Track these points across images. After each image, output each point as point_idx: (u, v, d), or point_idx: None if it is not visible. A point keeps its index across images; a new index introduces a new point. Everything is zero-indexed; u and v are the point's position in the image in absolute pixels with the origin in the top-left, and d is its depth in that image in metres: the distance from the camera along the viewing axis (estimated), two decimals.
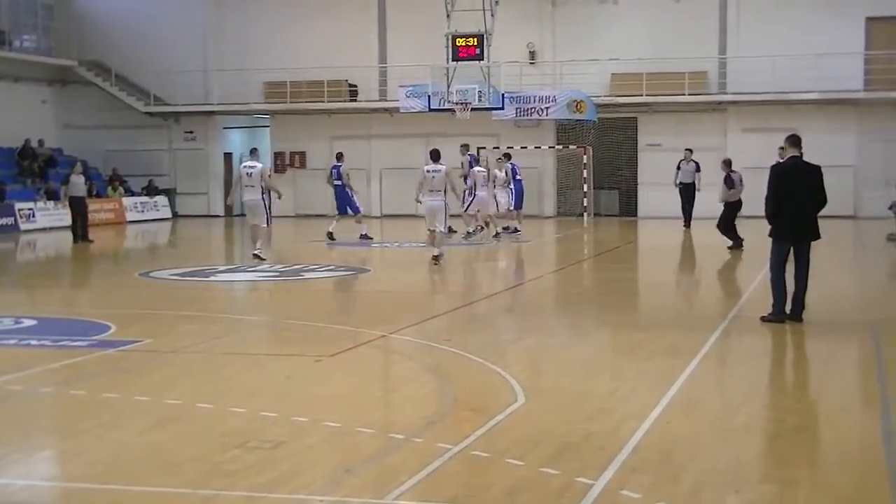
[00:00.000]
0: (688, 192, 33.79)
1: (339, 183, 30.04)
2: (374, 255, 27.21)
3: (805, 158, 14.69)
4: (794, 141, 14.76)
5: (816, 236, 14.86)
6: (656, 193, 27.82)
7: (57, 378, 11.54)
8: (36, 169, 41.67)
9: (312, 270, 22.20)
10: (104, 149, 44.70)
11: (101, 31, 45.10)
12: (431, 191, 22.52)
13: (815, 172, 14.68)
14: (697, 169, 33.58)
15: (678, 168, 33.91)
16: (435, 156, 22.84)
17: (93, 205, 40.67)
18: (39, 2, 44.50)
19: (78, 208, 31.17)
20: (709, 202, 30.38)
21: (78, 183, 31.36)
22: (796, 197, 14.55)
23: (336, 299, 18.68)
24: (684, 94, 40.43)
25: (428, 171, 22.63)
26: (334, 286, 20.31)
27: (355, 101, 43.92)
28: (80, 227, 31.10)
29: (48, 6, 45.08)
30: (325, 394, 10.86)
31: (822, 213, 14.68)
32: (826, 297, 17.53)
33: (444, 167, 22.58)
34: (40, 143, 42.84)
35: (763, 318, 14.66)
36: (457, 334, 13.96)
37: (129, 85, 45.06)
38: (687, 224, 33.09)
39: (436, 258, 22.51)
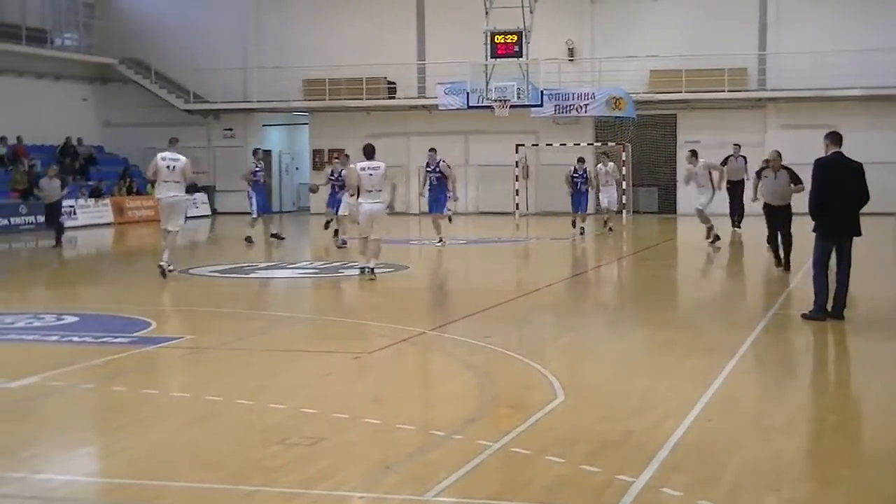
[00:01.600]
0: (736, 190, 30.55)
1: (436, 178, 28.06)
2: (413, 253, 27.24)
3: (847, 155, 14.60)
4: (836, 138, 14.67)
5: (858, 233, 14.76)
6: (695, 191, 27.55)
7: (98, 374, 11.60)
8: (77, 167, 41.96)
9: (351, 267, 22.22)
10: (144, 146, 44.85)
11: (141, 29, 45.34)
12: (370, 191, 19.68)
13: (857, 169, 14.59)
14: (745, 164, 30.54)
15: (724, 164, 30.03)
16: (370, 152, 20.02)
17: (133, 202, 41.12)
18: (80, 0, 44.79)
19: (53, 214, 30.12)
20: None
21: (51, 188, 30.09)
22: (839, 193, 14.46)
23: (375, 296, 18.69)
24: (723, 91, 40.24)
25: (363, 170, 19.71)
26: (375, 283, 20.31)
27: (394, 98, 43.97)
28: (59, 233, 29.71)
29: (89, 4, 45.37)
30: (365, 391, 10.87)
31: (864, 210, 14.57)
32: (868, 295, 17.40)
33: (383, 165, 19.81)
34: (80, 141, 43.15)
35: (804, 316, 14.56)
36: (496, 331, 13.93)
37: (169, 82, 45.28)
38: (737, 224, 29.97)
39: (370, 271, 19.90)
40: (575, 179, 31.04)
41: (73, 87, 44.66)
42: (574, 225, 30.84)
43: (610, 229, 31.75)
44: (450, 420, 9.45)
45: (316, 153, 45.73)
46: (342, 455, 8.41)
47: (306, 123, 46.38)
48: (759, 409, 10.17)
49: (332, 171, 28.91)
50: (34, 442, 9.16)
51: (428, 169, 28.19)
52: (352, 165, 20.56)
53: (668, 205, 41.76)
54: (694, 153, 27.94)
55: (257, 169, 29.34)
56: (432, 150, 28.68)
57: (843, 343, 13.68)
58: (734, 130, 38.18)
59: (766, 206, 20.88)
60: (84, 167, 42.31)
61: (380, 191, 19.60)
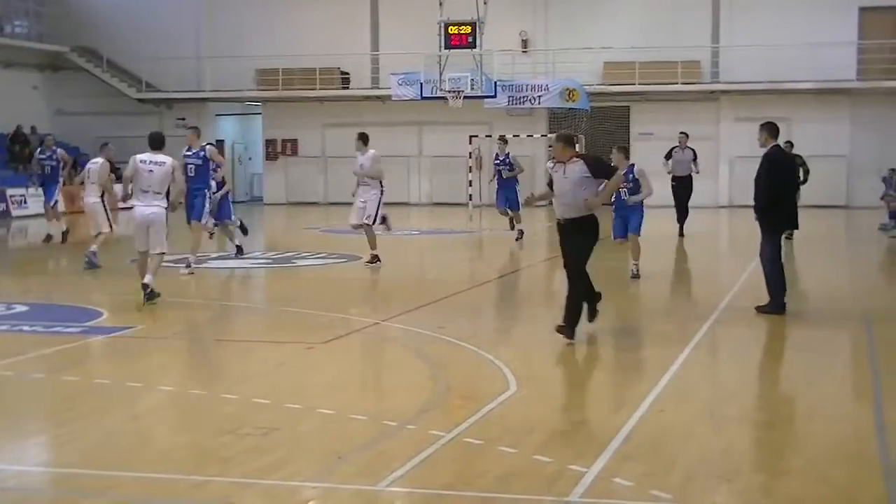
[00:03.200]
0: (684, 187, 26.93)
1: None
2: (365, 244, 27.20)
3: (797, 149, 14.68)
4: (774, 130, 14.55)
5: (798, 226, 15.00)
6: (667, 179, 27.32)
7: (49, 364, 11.52)
8: (27, 155, 41.53)
9: (304, 258, 22.15)
10: (96, 135, 44.54)
11: (92, 17, 45.01)
12: (146, 192, 15.35)
13: (793, 161, 14.75)
14: (695, 158, 26.95)
15: (668, 157, 27.06)
16: (157, 142, 15.85)
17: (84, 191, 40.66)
18: None
19: None
20: (705, 192, 30.26)
21: None
22: (788, 186, 14.55)
23: (328, 287, 18.65)
24: (677, 83, 40.43)
25: (143, 163, 15.40)
26: (326, 273, 20.28)
27: (347, 88, 43.88)
28: None
29: None
30: (318, 381, 10.86)
31: (815, 202, 14.71)
32: (819, 288, 17.55)
33: (170, 160, 15.59)
34: (32, 129, 42.75)
35: (760, 310, 14.52)
36: (449, 322, 13.95)
37: (121, 71, 44.95)
38: (681, 232, 26.42)
39: (149, 296, 15.23)
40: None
41: (23, 74, 44.24)
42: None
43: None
44: (403, 410, 9.45)
45: (269, 143, 45.57)
46: (295, 445, 8.39)
47: (259, 113, 46.20)
48: (712, 401, 10.24)
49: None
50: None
51: (496, 161, 26.69)
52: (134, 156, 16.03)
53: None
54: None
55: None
56: (503, 140, 27.38)
57: (793, 335, 13.77)
58: (688, 122, 38.26)
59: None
60: (34, 156, 41.81)
61: (158, 193, 15.36)
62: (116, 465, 7.83)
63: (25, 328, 13.45)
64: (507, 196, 26.42)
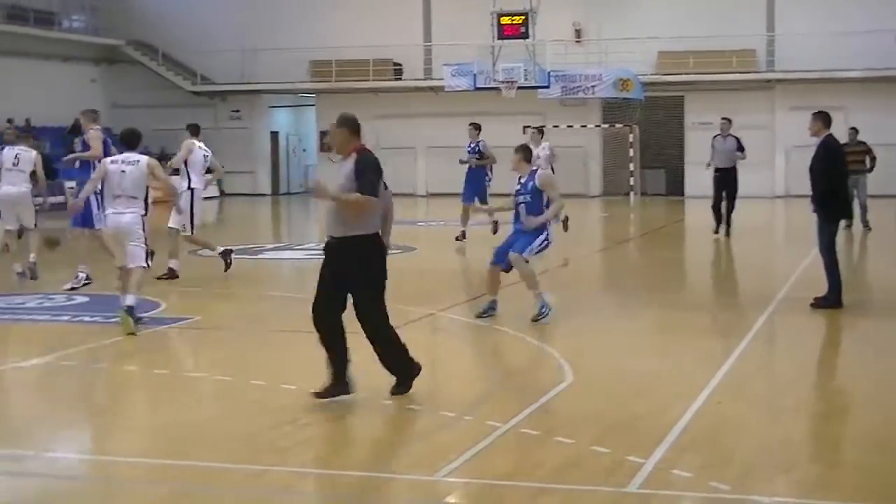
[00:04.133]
0: (727, 180, 24.39)
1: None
2: (420, 234, 27.27)
3: (860, 137, 14.52)
4: (828, 119, 14.35)
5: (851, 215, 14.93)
6: (704, 172, 26.94)
7: (109, 354, 11.66)
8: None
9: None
10: (151, 128, 44.88)
11: (147, 11, 45.30)
12: (119, 197, 13.10)
13: (842, 150, 14.67)
14: (739, 147, 24.44)
15: (713, 146, 24.94)
16: (131, 140, 13.94)
17: None
18: None
19: None
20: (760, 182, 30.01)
21: None
22: (843, 176, 14.44)
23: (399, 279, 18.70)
24: (731, 73, 40.16)
25: (113, 164, 13.30)
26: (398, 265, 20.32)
27: (400, 79, 43.92)
28: None
29: None
30: (375, 372, 10.89)
31: (872, 192, 14.58)
32: (879, 279, 17.41)
33: (145, 159, 13.60)
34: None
35: (815, 305, 14.21)
36: (505, 313, 13.94)
37: (176, 64, 45.24)
38: (720, 230, 24.18)
39: (136, 320, 12.71)
40: (468, 154, 23.73)
41: (81, 68, 44.62)
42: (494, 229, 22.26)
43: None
44: (459, 401, 9.49)
45: (323, 134, 45.68)
46: (351, 435, 8.46)
47: (313, 105, 46.34)
48: (769, 392, 10.21)
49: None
50: (47, 421, 9.23)
51: (467, 149, 23.86)
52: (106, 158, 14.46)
53: (675, 187, 41.71)
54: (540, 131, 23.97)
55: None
56: (475, 126, 23.95)
57: (851, 327, 13.68)
58: (743, 112, 38.06)
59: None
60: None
61: (134, 197, 13.12)
62: (175, 455, 7.91)
63: (86, 318, 13.61)
64: (476, 188, 23.42)
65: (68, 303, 14.83)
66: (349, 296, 9.44)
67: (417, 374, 9.58)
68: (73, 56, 44.02)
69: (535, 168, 13.41)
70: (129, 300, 12.63)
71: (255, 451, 8.01)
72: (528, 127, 29.07)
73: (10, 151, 17.36)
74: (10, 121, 33.14)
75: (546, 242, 13.35)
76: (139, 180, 13.10)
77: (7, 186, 17.12)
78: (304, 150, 47.99)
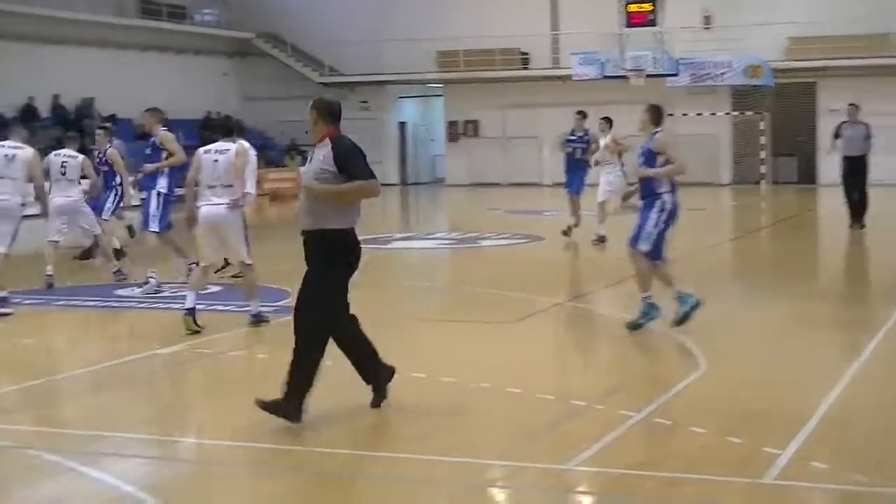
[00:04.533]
0: (857, 170, 22.85)
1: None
2: (546, 224, 27.20)
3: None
4: None
5: None
6: (837, 160, 26.08)
7: (243, 342, 11.85)
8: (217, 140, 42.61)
9: (488, 238, 22.26)
10: (282, 119, 45.47)
11: (277, 3, 45.87)
12: (213, 187, 12.52)
13: None
14: (869, 135, 22.77)
15: (836, 135, 23.25)
16: (227, 128, 13.32)
17: (272, 174, 41.68)
18: None
19: None
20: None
21: None
22: None
23: (512, 267, 18.72)
24: (865, 57, 39.27)
25: (207, 154, 12.69)
26: (510, 254, 20.32)
27: (527, 69, 43.85)
28: None
29: None
30: (505, 360, 10.91)
31: None
32: None
33: (234, 147, 12.79)
34: (220, 114, 43.84)
35: None
36: (635, 302, 13.83)
37: (305, 56, 45.76)
38: (857, 223, 22.84)
39: (256, 319, 12.72)
40: (571, 144, 21.57)
41: (212, 61, 45.41)
42: (568, 230, 21.50)
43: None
44: (590, 390, 9.46)
45: (450, 125, 45.86)
46: (482, 424, 8.47)
47: (440, 95, 46.49)
48: None
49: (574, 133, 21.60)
50: (184, 407, 9.42)
51: (571, 138, 21.65)
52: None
53: (808, 175, 40.97)
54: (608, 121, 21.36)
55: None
56: (581, 114, 21.80)
57: None
58: (878, 98, 37.22)
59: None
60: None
61: (229, 186, 12.48)
62: (307, 442, 7.99)
63: (220, 307, 13.84)
64: (580, 180, 21.58)
65: (202, 292, 15.04)
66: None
67: (390, 378, 8.85)
68: (206, 49, 44.82)
69: (656, 131, 12.10)
70: (254, 307, 12.53)
71: (387, 438, 8.07)
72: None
73: (56, 158, 16.29)
74: (106, 120, 33.86)
75: (664, 215, 11.81)
76: (229, 169, 12.51)
77: (57, 197, 16.04)
78: (431, 140, 48.18)
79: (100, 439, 8.10)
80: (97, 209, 17.11)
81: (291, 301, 14.17)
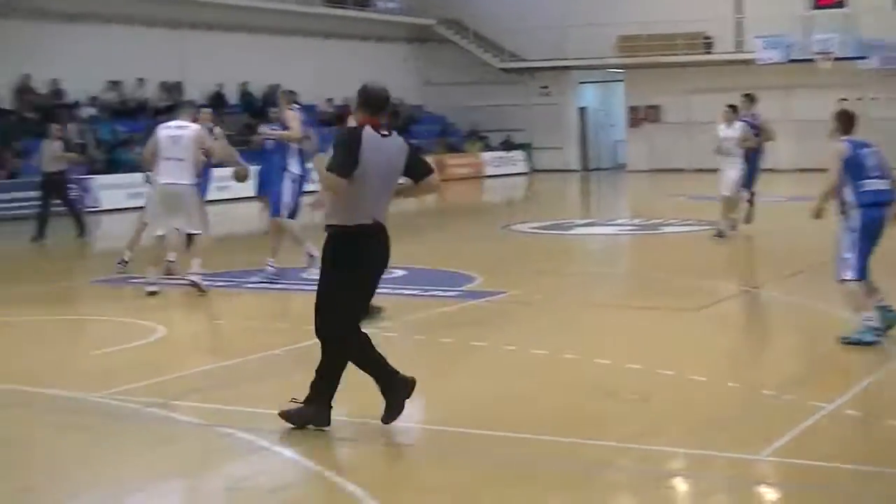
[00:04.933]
0: None
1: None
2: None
3: None
4: None
5: None
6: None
7: (428, 326, 11.96)
8: (398, 126, 43.14)
9: (671, 225, 22.06)
10: (462, 105, 45.74)
11: None
12: (169, 159, 13.29)
13: None
14: None
15: None
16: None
17: (453, 160, 42.00)
18: None
19: (54, 190, 21.88)
20: None
21: (52, 152, 21.68)
22: None
23: (696, 254, 18.51)
24: None
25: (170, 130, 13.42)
26: (693, 241, 20.08)
27: (710, 53, 43.20)
28: (72, 216, 22.13)
29: None
30: (690, 348, 10.82)
31: None
32: None
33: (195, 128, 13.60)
34: (401, 100, 44.36)
35: None
36: (820, 290, 13.52)
37: (486, 42, 45.90)
38: None
39: (197, 287, 13.45)
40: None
41: (394, 48, 45.91)
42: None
43: (719, 235, 19.25)
44: (779, 380, 9.31)
45: (632, 110, 45.49)
46: (668, 411, 8.41)
47: (621, 80, 46.15)
48: None
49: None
50: (372, 389, 9.56)
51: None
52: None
53: None
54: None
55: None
56: (749, 98, 21.08)
57: None
58: None
59: None
60: (405, 126, 43.50)
61: (183, 159, 12.92)
62: (492, 426, 8.02)
63: (404, 292, 14.00)
64: (750, 171, 20.20)
65: (387, 276, 15.20)
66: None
67: (410, 390, 8.00)
68: (388, 36, 45.32)
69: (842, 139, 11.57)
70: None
71: (572, 424, 8.06)
72: (843, 99, 26.81)
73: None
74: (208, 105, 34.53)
75: (856, 235, 10.47)
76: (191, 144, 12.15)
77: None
78: (612, 126, 47.87)
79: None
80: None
81: (476, 286, 14.37)
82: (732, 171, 19.39)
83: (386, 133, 7.83)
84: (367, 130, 7.73)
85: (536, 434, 7.82)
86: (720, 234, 18.92)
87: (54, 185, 21.84)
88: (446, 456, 7.57)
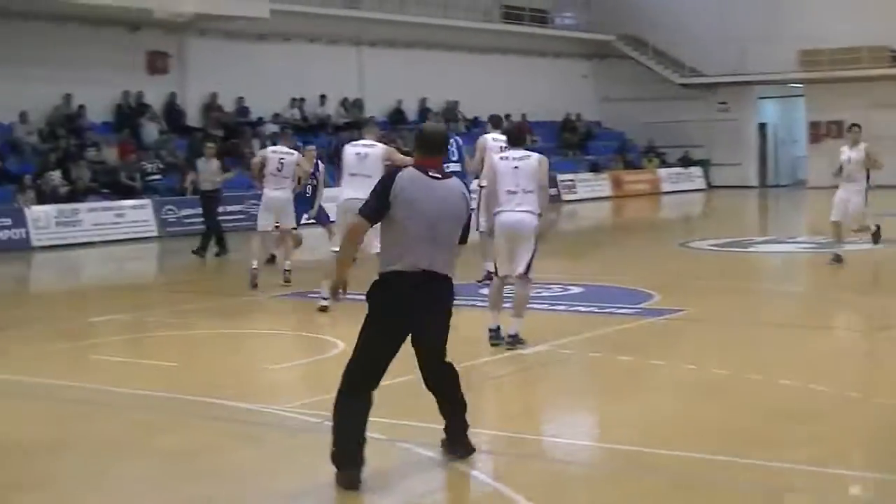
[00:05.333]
0: None
1: None
2: None
3: None
4: None
5: None
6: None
7: (605, 343, 11.92)
8: (576, 142, 43.19)
9: (852, 242, 21.55)
10: (640, 121, 45.44)
11: (638, 5, 45.74)
12: (515, 192, 11.37)
13: None
14: None
15: None
16: (518, 137, 12.06)
17: (630, 176, 41.82)
18: None
19: (211, 207, 22.39)
20: None
21: (209, 170, 22.20)
22: None
23: (880, 273, 18.07)
24: None
25: (504, 161, 11.54)
26: (875, 259, 19.56)
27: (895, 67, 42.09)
28: (214, 235, 22.25)
29: None
30: (874, 370, 10.58)
31: None
32: None
33: (536, 155, 11.69)
34: (579, 116, 44.36)
35: None
36: None
37: (665, 57, 45.53)
38: None
39: (511, 340, 11.61)
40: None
41: (572, 64, 45.90)
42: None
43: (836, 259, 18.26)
44: None
45: (812, 125, 44.56)
46: (851, 435, 8.24)
47: (801, 95, 45.26)
48: None
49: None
50: (550, 407, 9.60)
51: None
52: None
53: None
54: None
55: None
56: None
57: None
58: None
59: None
60: (583, 142, 43.50)
61: (529, 191, 11.43)
62: (669, 444, 7.97)
63: (581, 308, 13.99)
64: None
65: (563, 293, 15.27)
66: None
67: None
68: (566, 52, 45.35)
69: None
70: (516, 326, 11.53)
71: (749, 444, 7.94)
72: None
73: (274, 155, 16.97)
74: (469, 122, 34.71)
75: None
76: (534, 174, 11.53)
77: (271, 190, 16.79)
78: (794, 142, 46.96)
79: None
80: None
81: (654, 303, 14.26)
82: (857, 197, 18.16)
83: (438, 175, 7.21)
84: (409, 172, 7.17)
85: (709, 454, 7.73)
86: (837, 259, 18.12)
87: (208, 202, 22.20)
88: (622, 475, 7.55)
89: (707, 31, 43.41)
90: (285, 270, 16.91)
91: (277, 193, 16.73)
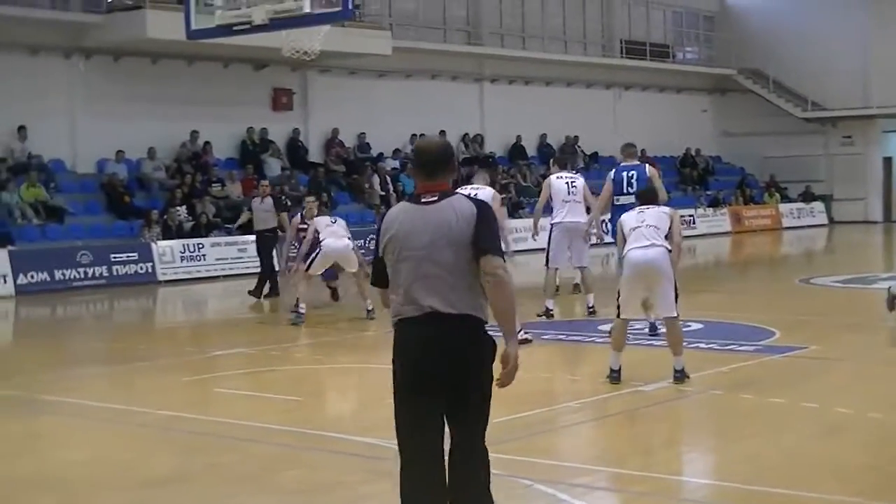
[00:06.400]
0: None
1: None
2: None
3: None
4: None
5: None
6: None
7: (726, 381, 11.82)
8: (696, 176, 42.89)
9: None
10: (761, 155, 45.00)
11: (759, 39, 45.35)
12: (639, 228, 11.71)
13: None
14: None
15: None
16: (649, 198, 12.28)
17: (750, 211, 41.41)
18: (701, 15, 45.93)
19: (265, 247, 22.02)
20: None
21: (264, 210, 21.77)
22: None
23: None
24: None
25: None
26: None
27: None
28: (267, 276, 21.76)
29: (709, 18, 46.40)
30: None
31: None
32: None
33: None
34: (698, 151, 44.07)
35: None
36: None
37: (786, 91, 45.05)
38: None
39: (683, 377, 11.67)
40: None
41: (693, 98, 45.67)
42: None
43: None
44: None
45: None
46: None
47: None
48: None
49: None
50: (670, 444, 9.57)
51: None
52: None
53: None
54: None
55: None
56: None
57: None
58: None
59: None
60: (702, 177, 43.18)
61: (657, 227, 11.70)
62: (794, 485, 7.89)
63: (702, 345, 13.89)
64: None
65: (684, 329, 15.10)
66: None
67: None
68: (686, 87, 45.17)
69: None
70: (681, 362, 11.65)
71: (879, 486, 7.84)
72: None
73: (559, 181, 16.75)
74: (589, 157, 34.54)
75: None
76: (661, 220, 11.72)
77: (331, 240, 17.40)
78: None
79: (589, 472, 8.37)
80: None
81: (775, 340, 14.11)
82: None
83: (431, 199, 5.96)
84: (397, 207, 6.20)
85: (839, 494, 7.65)
86: None
87: (263, 242, 21.85)
88: None
89: (829, 63, 42.85)
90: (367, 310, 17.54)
91: (337, 244, 17.44)
